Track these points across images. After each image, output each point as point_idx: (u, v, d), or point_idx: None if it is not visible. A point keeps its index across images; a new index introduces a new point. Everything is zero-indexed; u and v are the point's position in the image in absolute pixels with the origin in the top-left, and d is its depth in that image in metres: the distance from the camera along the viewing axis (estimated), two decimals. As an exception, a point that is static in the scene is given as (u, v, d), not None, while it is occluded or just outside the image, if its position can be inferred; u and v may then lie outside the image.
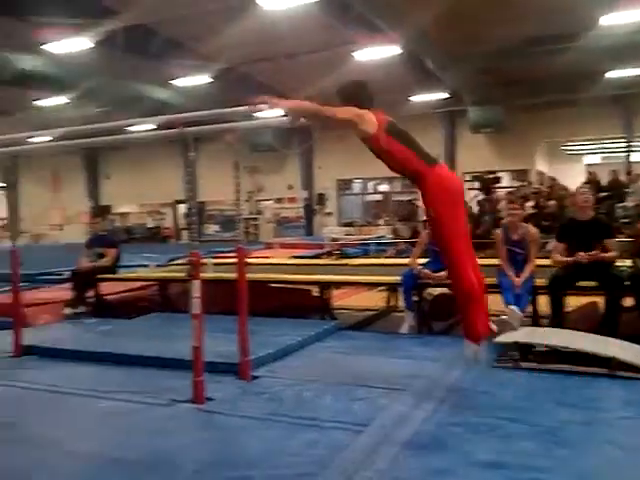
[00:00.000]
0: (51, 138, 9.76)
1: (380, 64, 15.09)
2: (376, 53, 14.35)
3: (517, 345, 4.37)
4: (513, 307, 4.85)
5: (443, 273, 5.40)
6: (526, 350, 4.33)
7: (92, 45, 13.31)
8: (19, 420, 3.48)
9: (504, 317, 4.82)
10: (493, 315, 6.07)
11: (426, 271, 5.52)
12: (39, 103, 19.00)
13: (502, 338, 4.47)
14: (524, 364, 4.23)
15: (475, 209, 13.15)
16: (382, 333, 5.60)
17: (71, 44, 13.20)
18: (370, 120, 3.79)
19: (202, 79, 16.41)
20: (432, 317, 5.74)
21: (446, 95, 18.44)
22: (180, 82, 16.81)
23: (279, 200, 24.95)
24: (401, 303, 6.61)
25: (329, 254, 9.92)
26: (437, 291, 6.34)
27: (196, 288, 3.72)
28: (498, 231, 5.61)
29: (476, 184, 18.49)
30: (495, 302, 5.76)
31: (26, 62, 14.59)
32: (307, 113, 3.88)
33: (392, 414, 3.36)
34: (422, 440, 3.01)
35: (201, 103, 18.26)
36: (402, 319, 5.78)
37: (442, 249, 3.84)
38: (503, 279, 5.15)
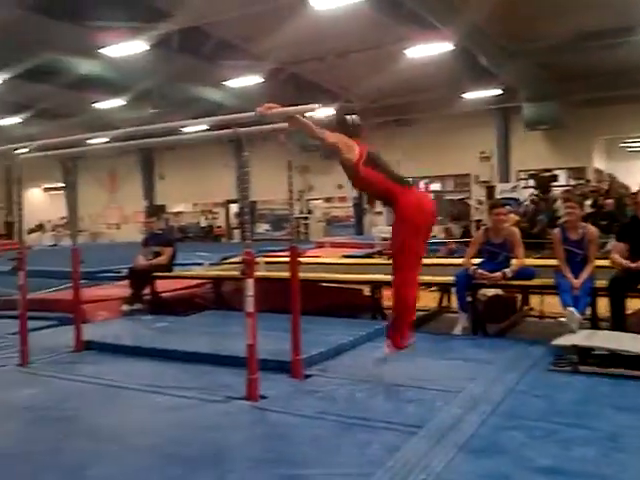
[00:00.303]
0: (108, 139, 10.03)
1: (432, 61, 14.93)
2: (428, 50, 14.19)
3: (576, 348, 4.25)
4: (571, 309, 4.72)
5: (498, 273, 5.32)
6: (585, 353, 4.21)
7: (147, 48, 13.64)
8: (82, 413, 3.60)
9: (562, 319, 4.70)
10: (551, 317, 5.99)
11: (481, 271, 5.44)
12: (97, 105, 19.59)
13: (560, 341, 4.37)
14: (583, 368, 4.11)
15: (530, 208, 12.86)
16: (434, 334, 5.53)
17: (127, 47, 13.55)
18: (353, 151, 4.05)
19: (254, 79, 16.58)
20: (486, 319, 5.64)
21: (500, 91, 18.09)
22: (233, 83, 17.03)
23: (329, 199, 24.98)
24: (454, 304, 6.55)
25: (380, 253, 9.85)
26: (491, 292, 6.23)
27: (250, 287, 3.77)
28: (556, 231, 5.47)
29: (531, 182, 18.12)
30: (553, 304, 5.65)
31: (85, 66, 15.09)
32: (302, 127, 3.97)
33: (446, 416, 3.32)
34: (478, 444, 2.96)
35: (253, 103, 18.44)
36: (455, 320, 5.71)
37: (395, 260, 4.20)
38: (561, 280, 5.03)
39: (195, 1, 11.81)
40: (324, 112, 17.16)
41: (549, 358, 4.39)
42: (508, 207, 12.73)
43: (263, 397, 3.73)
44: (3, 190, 32.67)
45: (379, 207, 23.18)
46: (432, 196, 23.52)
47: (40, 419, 3.53)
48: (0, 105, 20.10)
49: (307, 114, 4.01)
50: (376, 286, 6.26)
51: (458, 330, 5.42)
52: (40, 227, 29.80)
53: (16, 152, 5.13)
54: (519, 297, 6.68)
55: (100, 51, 13.82)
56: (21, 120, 21.99)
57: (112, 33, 13.12)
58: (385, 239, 14.70)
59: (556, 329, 4.86)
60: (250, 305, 3.74)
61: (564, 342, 4.35)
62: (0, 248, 20.72)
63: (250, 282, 3.76)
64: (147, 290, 7.15)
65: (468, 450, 2.90)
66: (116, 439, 3.21)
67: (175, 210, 29.08)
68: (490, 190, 19.61)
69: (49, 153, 6.11)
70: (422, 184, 23.83)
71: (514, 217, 12.02)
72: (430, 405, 3.51)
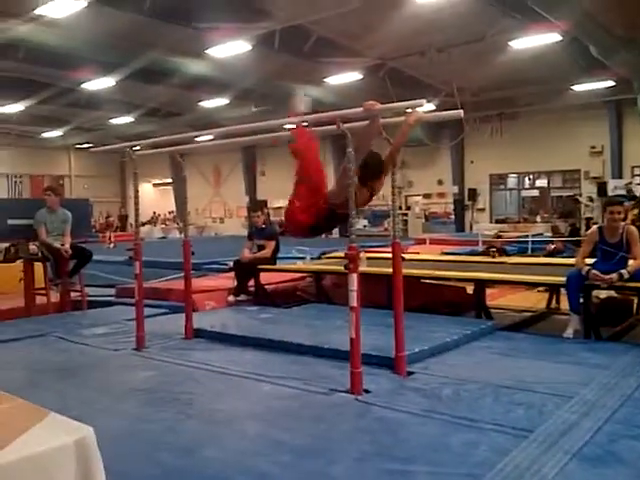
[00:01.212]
0: (213, 137, 10.41)
1: (539, 52, 14.35)
2: (534, 41, 13.66)
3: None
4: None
5: (614, 275, 5.04)
6: None
7: (249, 47, 14.02)
8: (194, 397, 3.77)
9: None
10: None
11: (595, 272, 5.16)
12: (202, 104, 20.38)
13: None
14: None
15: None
16: (543, 336, 5.31)
17: (231, 47, 14.02)
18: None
19: (353, 76, 16.64)
20: (600, 322, 5.35)
21: (612, 83, 17.08)
22: (332, 80, 17.16)
23: (428, 195, 24.65)
24: (563, 305, 6.28)
25: (486, 252, 9.54)
26: (605, 294, 5.92)
27: (353, 281, 3.79)
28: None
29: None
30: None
31: (192, 66, 15.75)
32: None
33: (558, 421, 3.18)
34: (594, 452, 2.82)
35: (352, 100, 18.58)
36: (564, 322, 5.47)
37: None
38: None
39: (299, 1, 12.00)
40: (427, 107, 16.98)
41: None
42: (626, 204, 12.02)
43: (366, 391, 3.75)
44: (118, 185, 34.80)
45: (482, 204, 22.69)
46: (537, 193, 22.81)
47: (156, 400, 3.73)
48: (114, 105, 21.38)
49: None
50: (480, 284, 6.10)
51: (569, 333, 5.18)
52: (153, 220, 31.42)
53: (131, 149, 5.44)
54: (635, 300, 6.28)
55: (206, 52, 14.38)
56: (133, 119, 23.30)
57: (217, 34, 13.61)
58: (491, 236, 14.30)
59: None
60: (354, 300, 3.76)
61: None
62: (116, 239, 22.17)
63: (354, 277, 3.78)
64: (252, 282, 7.36)
65: (582, 458, 2.77)
66: (227, 423, 3.34)
67: (276, 205, 29.73)
68: (601, 186, 18.58)
69: (161, 150, 6.44)
70: (527, 180, 23.07)
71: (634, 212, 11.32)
72: (541, 409, 3.38)
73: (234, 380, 4.11)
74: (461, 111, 4.21)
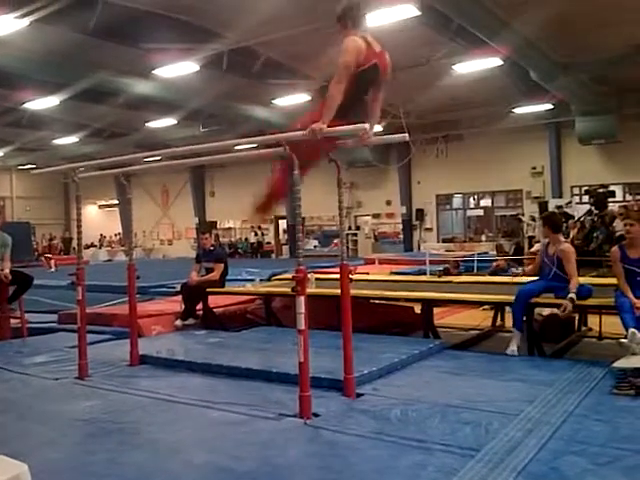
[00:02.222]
0: (160, 158, 10.30)
1: (481, 76, 14.84)
2: (477, 65, 14.12)
3: (639, 371, 4.09)
4: (633, 330, 4.55)
5: (568, 304, 5.09)
6: (649, 377, 4.04)
7: (197, 68, 13.99)
8: (139, 426, 3.66)
9: (623, 340, 4.53)
10: (611, 338, 5.78)
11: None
12: (149, 124, 20.17)
13: (622, 363, 4.22)
14: (647, 392, 3.95)
15: (586, 224, 12.50)
16: (489, 354, 5.40)
17: (179, 68, 13.96)
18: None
19: (301, 97, 16.78)
20: (543, 338, 5.49)
21: (551, 106, 17.79)
22: (280, 102, 17.27)
23: (377, 215, 24.95)
24: (508, 322, 6.42)
25: (447, 271, 9.64)
26: (547, 311, 6.08)
27: (301, 304, 3.78)
28: (614, 249, 5.30)
29: (586, 198, 17.63)
30: (612, 324, 5.47)
31: (138, 87, 15.59)
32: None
33: (505, 440, 3.23)
34: (539, 469, 2.86)
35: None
36: (509, 339, 5.58)
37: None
38: (622, 300, 4.85)
39: (244, 22, 12.09)
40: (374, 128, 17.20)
41: (610, 381, 4.23)
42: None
43: (315, 415, 3.72)
44: (62, 207, 33.90)
45: (429, 224, 23.06)
46: (482, 212, 23.38)
47: (99, 431, 3.60)
48: (58, 125, 20.93)
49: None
50: (427, 304, 6.18)
51: (513, 350, 5.28)
52: (100, 242, 30.68)
53: (74, 170, 5.30)
54: (576, 317, 6.48)
55: (154, 72, 14.26)
56: (78, 139, 22.84)
57: (165, 55, 13.54)
58: (437, 256, 14.55)
59: (616, 350, 4.68)
60: (302, 323, 3.75)
61: (626, 365, 4.20)
62: (59, 262, 21.52)
63: (302, 300, 3.77)
64: (200, 305, 7.25)
65: (528, 475, 2.81)
66: (173, 452, 3.25)
67: (225, 226, 29.55)
68: (542, 206, 19.20)
69: (105, 172, 6.32)
70: (472, 200, 23.64)
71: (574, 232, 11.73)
72: (487, 427, 3.42)
73: (181, 408, 4.02)
74: (406, 135, 4.28)
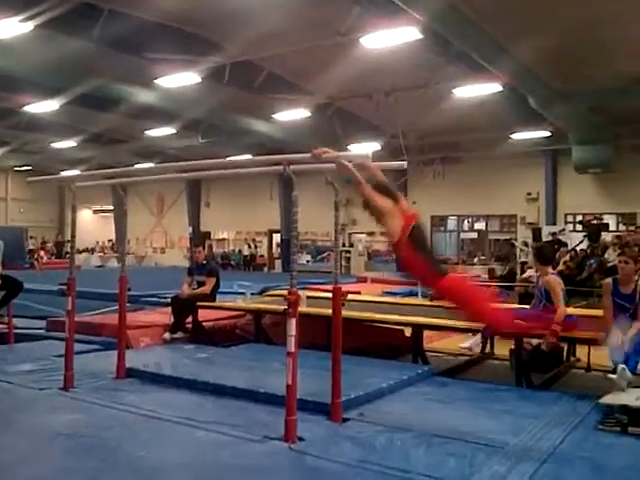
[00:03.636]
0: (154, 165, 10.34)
1: (480, 100, 14.94)
2: (476, 90, 14.22)
3: (626, 408, 4.08)
4: (622, 366, 4.55)
5: (550, 337, 5.12)
6: (636, 414, 4.03)
7: (199, 80, 14.04)
8: (122, 444, 3.62)
9: (611, 375, 4.53)
10: (599, 370, 5.78)
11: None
12: (148, 133, 20.18)
13: (609, 399, 4.21)
14: (633, 429, 3.94)
15: (579, 253, 12.57)
16: (478, 382, 5.39)
17: (180, 79, 14.00)
18: (396, 223, 3.92)
19: (302, 113, 16.84)
20: (531, 368, 5.48)
21: (548, 133, 17.92)
22: (280, 116, 17.33)
23: (371, 233, 24.94)
24: (498, 350, 6.44)
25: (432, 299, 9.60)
26: (535, 341, 6.07)
27: (292, 327, 3.77)
28: (607, 281, 5.32)
29: (579, 227, 17.77)
30: (602, 356, 5.47)
31: (139, 95, 15.62)
32: (351, 176, 3.99)
33: (488, 474, 3.22)
34: (521, 506, 2.86)
35: (301, 136, 18.81)
36: (498, 368, 5.61)
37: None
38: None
39: (247, 36, 12.19)
40: (370, 148, 17.29)
41: (596, 416, 4.23)
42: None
43: (301, 439, 3.70)
44: (56, 210, 33.78)
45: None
46: (476, 235, 23.45)
47: (80, 447, 3.57)
48: (56, 128, 20.90)
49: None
50: (418, 328, 6.17)
51: (464, 344, 5.40)
52: (92, 247, 30.59)
53: (70, 177, 5.30)
54: (565, 347, 6.48)
55: (155, 81, 14.30)
56: (75, 144, 22.81)
57: (167, 65, 13.59)
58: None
59: (604, 384, 4.68)
60: (292, 345, 3.73)
61: (613, 401, 4.19)
62: (46, 266, 21.44)
63: (293, 322, 3.76)
64: (189, 319, 7.22)
65: (511, 512, 2.80)
66: (153, 473, 3.23)
67: (219, 237, 29.51)
68: (536, 232, 19.29)
69: (103, 182, 6.31)
70: (466, 222, 23.71)
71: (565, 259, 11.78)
72: (471, 460, 3.40)
73: (165, 425, 3.99)
74: (405, 163, 4.31)
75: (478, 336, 5.45)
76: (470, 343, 5.42)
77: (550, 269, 5.82)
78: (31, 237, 28.37)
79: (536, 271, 5.75)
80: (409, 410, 4.42)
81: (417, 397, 4.77)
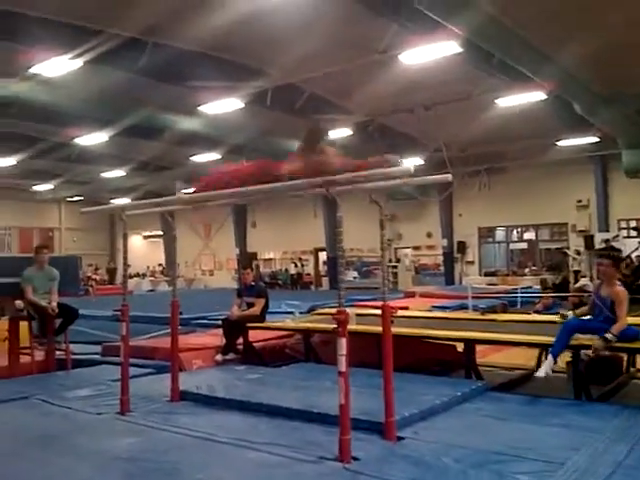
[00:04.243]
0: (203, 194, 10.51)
1: (524, 109, 14.73)
2: (520, 99, 14.04)
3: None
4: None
5: (597, 342, 4.97)
6: None
7: (242, 105, 14.29)
8: (179, 466, 3.67)
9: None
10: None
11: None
12: (194, 159, 20.62)
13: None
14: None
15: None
16: (533, 396, 5.25)
17: (224, 105, 14.28)
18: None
19: (344, 132, 16.93)
20: (589, 380, 5.31)
21: (596, 139, 17.50)
22: (323, 135, 17.41)
23: (417, 248, 24.78)
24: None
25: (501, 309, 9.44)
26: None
27: (342, 346, 3.76)
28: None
29: (633, 233, 17.24)
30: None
31: (184, 122, 16.03)
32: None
33: (550, 491, 3.12)
34: (587, 525, 2.76)
35: (343, 154, 18.88)
36: (554, 381, 5.43)
37: None
38: None
39: (289, 60, 12.39)
40: (413, 162, 17.23)
41: (663, 430, 4.06)
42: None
43: (355, 459, 3.67)
44: (107, 238, 34.77)
45: (471, 257, 22.79)
46: (526, 245, 22.99)
47: (139, 471, 3.63)
48: (105, 159, 21.61)
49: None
50: (470, 344, 6.07)
51: (541, 373, 5.16)
52: (143, 272, 31.34)
53: (121, 207, 5.47)
54: (625, 357, 6.26)
55: (199, 109, 14.64)
56: (124, 173, 23.51)
57: (210, 92, 13.90)
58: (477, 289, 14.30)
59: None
60: (343, 364, 3.72)
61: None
62: (103, 292, 22.05)
63: (343, 341, 3.76)
64: (240, 339, 7.29)
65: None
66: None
67: (266, 257, 29.79)
68: (588, 240, 18.79)
69: (152, 210, 6.46)
70: (515, 232, 23.28)
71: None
72: (531, 478, 3.31)
73: (220, 447, 4.02)
74: (449, 176, 4.26)
75: (550, 359, 5.20)
76: (545, 371, 5.14)
77: (616, 279, 5.59)
78: (89, 265, 29.27)
79: (591, 279, 5.55)
80: (464, 427, 4.33)
81: (472, 413, 4.68)
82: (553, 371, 6.06)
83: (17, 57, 11.38)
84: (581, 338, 5.23)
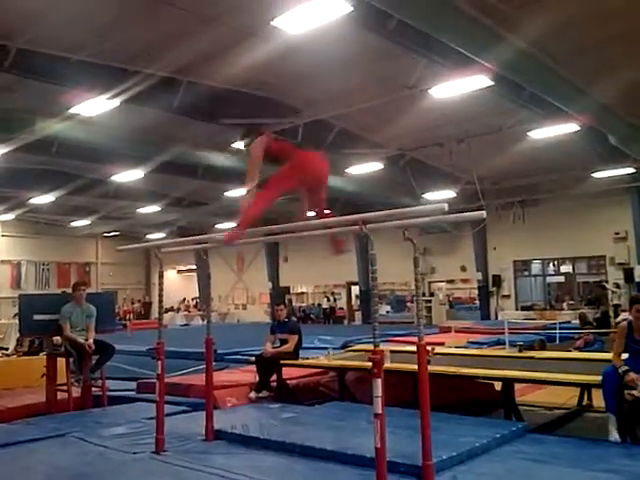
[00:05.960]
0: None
1: (558, 141, 14.60)
2: (553, 131, 13.92)
3: None
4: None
5: None
6: None
7: (275, 141, 14.45)
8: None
9: None
10: None
11: (633, 375, 4.91)
12: (227, 194, 20.88)
13: None
14: None
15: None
16: (576, 438, 5.08)
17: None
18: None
19: (374, 166, 17.00)
20: (635, 421, 5.11)
21: (633, 170, 17.20)
22: (354, 169, 17.54)
23: (451, 281, 24.50)
24: (596, 402, 6.05)
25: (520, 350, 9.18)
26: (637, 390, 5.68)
27: (378, 387, 3.70)
28: (624, 323, 5.20)
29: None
30: None
31: (218, 159, 16.29)
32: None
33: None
34: None
35: (375, 188, 18.94)
36: (597, 421, 5.26)
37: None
38: None
39: (316, 96, 12.54)
40: (446, 195, 17.16)
41: None
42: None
43: (392, 504, 3.58)
44: (143, 272, 35.27)
45: (506, 290, 22.32)
46: (563, 278, 22.52)
47: (174, 513, 3.59)
48: (141, 195, 22.05)
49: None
50: (509, 383, 5.92)
51: (615, 437, 4.91)
52: (178, 307, 31.68)
53: (157, 244, 5.54)
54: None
55: (232, 145, 14.88)
56: (159, 208, 23.93)
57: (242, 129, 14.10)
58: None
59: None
60: (378, 406, 3.66)
61: None
62: (138, 327, 22.29)
63: (379, 382, 3.69)
64: (274, 377, 7.25)
65: None
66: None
67: (298, 291, 29.81)
68: (628, 272, 18.34)
69: (187, 248, 6.53)
70: (552, 265, 22.86)
71: None
72: (578, 527, 3.18)
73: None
74: (484, 212, 4.20)
75: (613, 418, 4.96)
76: (614, 436, 4.88)
77: None
78: (124, 299, 29.69)
79: (632, 322, 5.35)
80: (505, 471, 4.19)
81: (512, 457, 4.53)
82: (595, 410, 5.88)
83: (59, 98, 11.78)
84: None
